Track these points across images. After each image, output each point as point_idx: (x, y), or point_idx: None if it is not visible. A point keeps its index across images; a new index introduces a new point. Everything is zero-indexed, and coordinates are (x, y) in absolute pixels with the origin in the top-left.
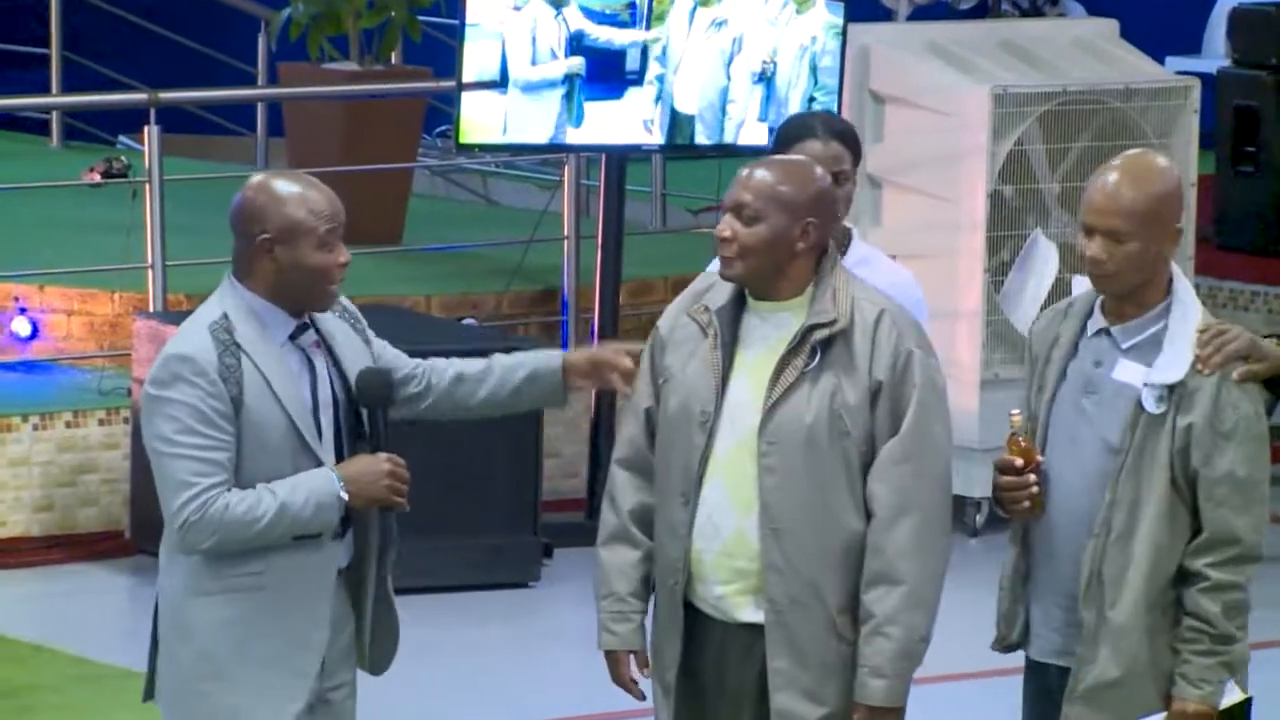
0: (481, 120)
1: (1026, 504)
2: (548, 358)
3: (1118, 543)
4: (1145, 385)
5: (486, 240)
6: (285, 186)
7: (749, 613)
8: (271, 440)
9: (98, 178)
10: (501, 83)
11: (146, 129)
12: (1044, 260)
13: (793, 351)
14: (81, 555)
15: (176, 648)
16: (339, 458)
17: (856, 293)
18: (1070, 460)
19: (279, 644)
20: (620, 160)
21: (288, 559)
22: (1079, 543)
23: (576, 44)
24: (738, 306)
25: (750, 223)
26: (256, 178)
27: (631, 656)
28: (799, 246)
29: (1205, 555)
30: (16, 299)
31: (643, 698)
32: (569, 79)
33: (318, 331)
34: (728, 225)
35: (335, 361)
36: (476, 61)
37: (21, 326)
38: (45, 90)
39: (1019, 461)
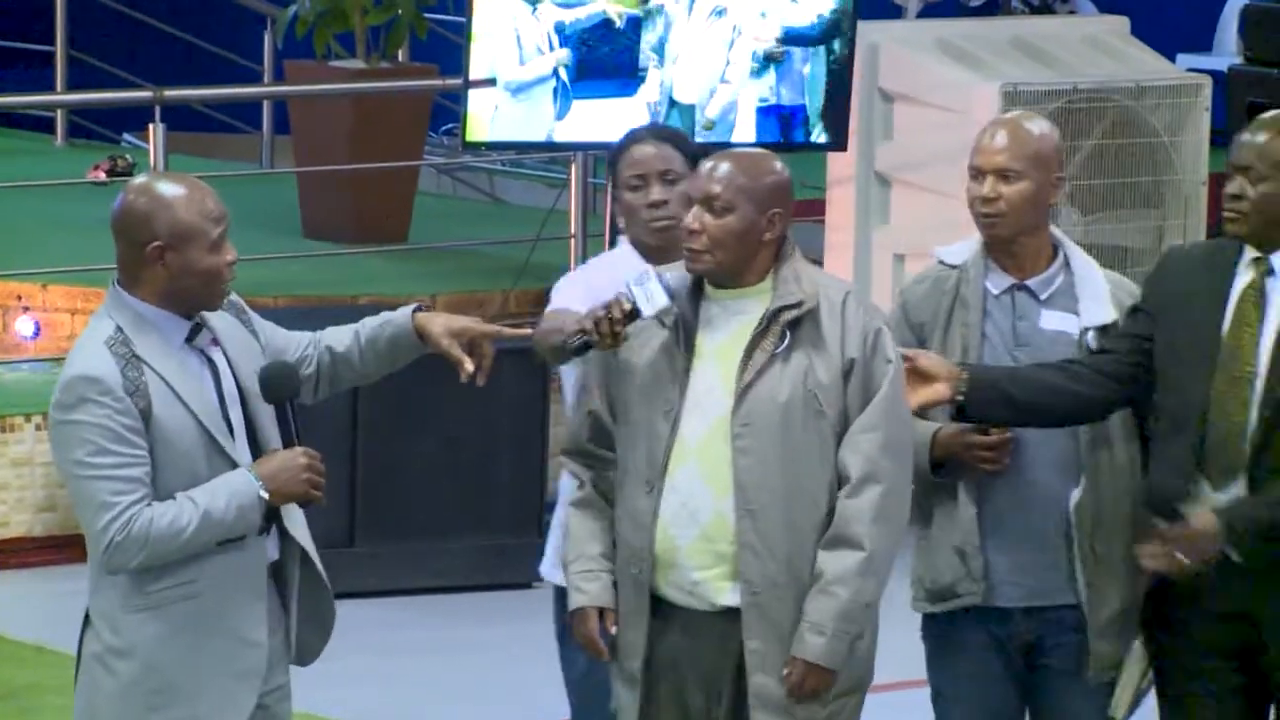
0: (488, 118)
1: (1006, 460)
2: (403, 320)
3: (1109, 480)
4: (1088, 330)
5: (493, 238)
6: (171, 189)
7: (729, 596)
8: (184, 446)
9: (103, 176)
10: (488, 81)
11: (151, 127)
12: None
13: (761, 334)
14: (84, 556)
15: (116, 667)
16: (253, 451)
17: (818, 276)
18: None
19: (223, 649)
20: None
21: (218, 563)
22: (1053, 488)
23: (564, 37)
24: (695, 295)
25: (720, 214)
26: (137, 181)
27: (598, 613)
28: (766, 237)
29: None
30: (20, 298)
31: (605, 656)
32: (557, 73)
33: (209, 329)
34: (696, 218)
35: (228, 357)
36: (483, 59)
37: (24, 326)
38: (50, 88)
39: None
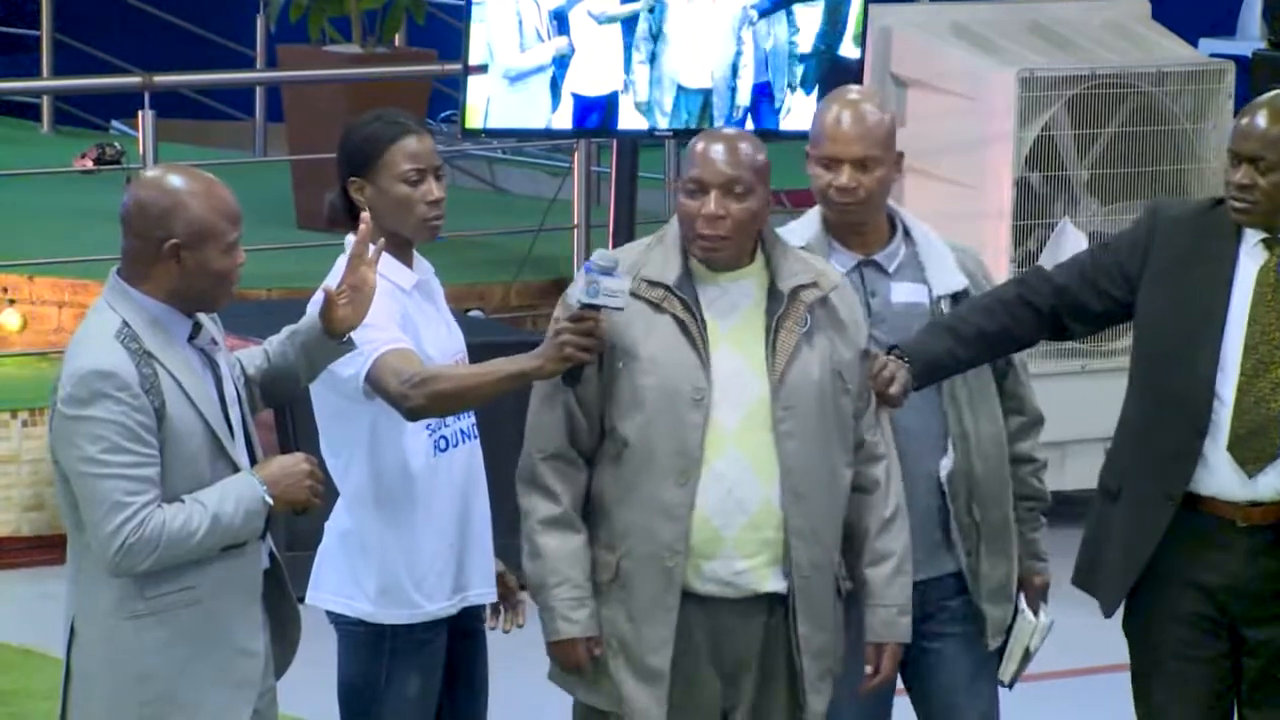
0: (478, 105)
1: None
2: (311, 323)
3: (978, 445)
4: (941, 299)
5: (494, 229)
6: (189, 186)
7: (772, 583)
8: (191, 447)
9: (90, 164)
10: (480, 67)
11: (141, 114)
12: (1073, 250)
13: (784, 314)
14: None
15: (108, 676)
16: (249, 454)
17: (805, 254)
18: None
19: (222, 657)
20: (632, 146)
21: (218, 570)
22: (926, 460)
23: (562, 24)
24: (687, 279)
25: (742, 198)
26: (151, 174)
27: (588, 643)
28: (766, 215)
29: (1028, 437)
30: (5, 290)
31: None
32: (557, 62)
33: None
34: (720, 205)
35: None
36: (483, 44)
37: (10, 319)
38: (36, 74)
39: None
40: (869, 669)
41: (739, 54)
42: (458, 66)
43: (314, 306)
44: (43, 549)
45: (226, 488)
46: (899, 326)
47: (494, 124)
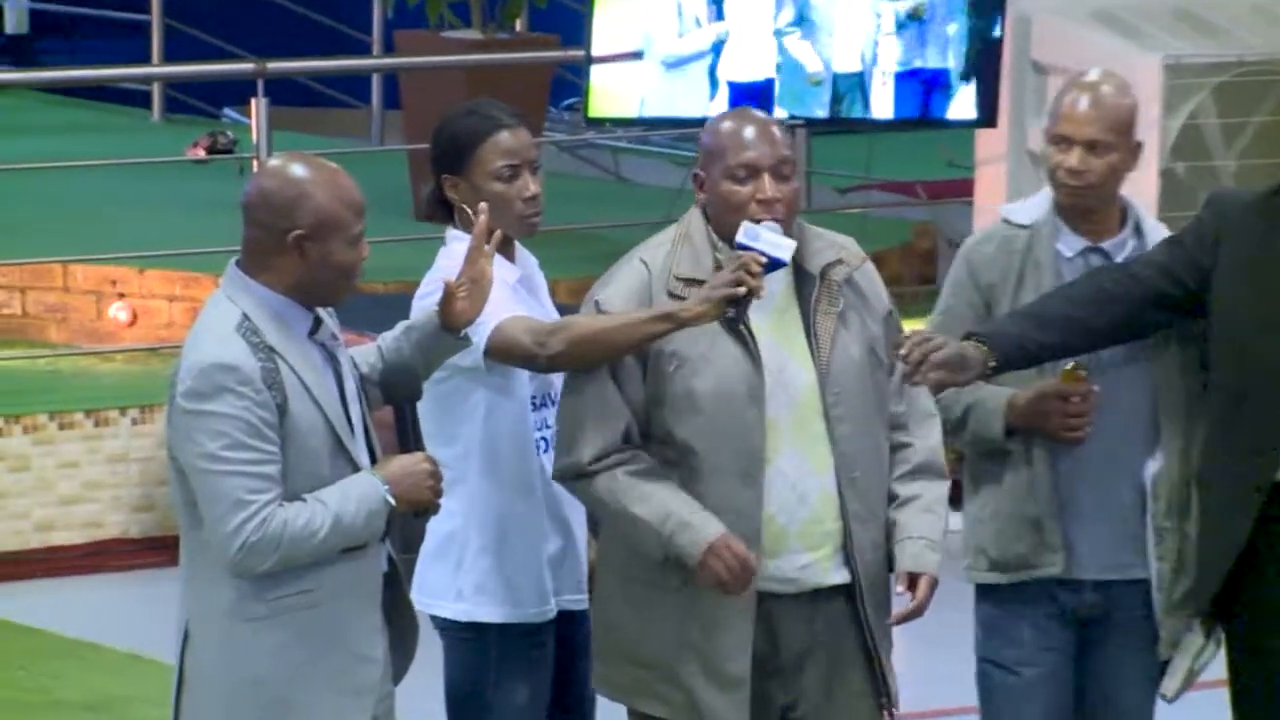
0: (613, 92)
1: (1089, 429)
2: (428, 318)
3: (1185, 451)
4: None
5: (617, 220)
6: (314, 176)
7: (835, 574)
8: (312, 445)
9: (203, 153)
10: (635, 54)
11: (254, 101)
12: None
13: (818, 297)
14: None
15: (223, 679)
16: (369, 453)
17: (818, 229)
18: (1106, 379)
19: (340, 662)
20: None
21: (338, 572)
22: (1130, 458)
23: (719, 9)
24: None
25: (789, 179)
26: (274, 163)
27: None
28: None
29: None
30: (114, 283)
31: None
32: (715, 48)
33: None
34: (774, 187)
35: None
36: (608, 29)
37: (120, 313)
38: (146, 60)
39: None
40: (900, 590)
41: (879, 29)
42: (580, 53)
43: (419, 301)
44: (152, 550)
45: (347, 487)
46: None
47: (651, 113)
